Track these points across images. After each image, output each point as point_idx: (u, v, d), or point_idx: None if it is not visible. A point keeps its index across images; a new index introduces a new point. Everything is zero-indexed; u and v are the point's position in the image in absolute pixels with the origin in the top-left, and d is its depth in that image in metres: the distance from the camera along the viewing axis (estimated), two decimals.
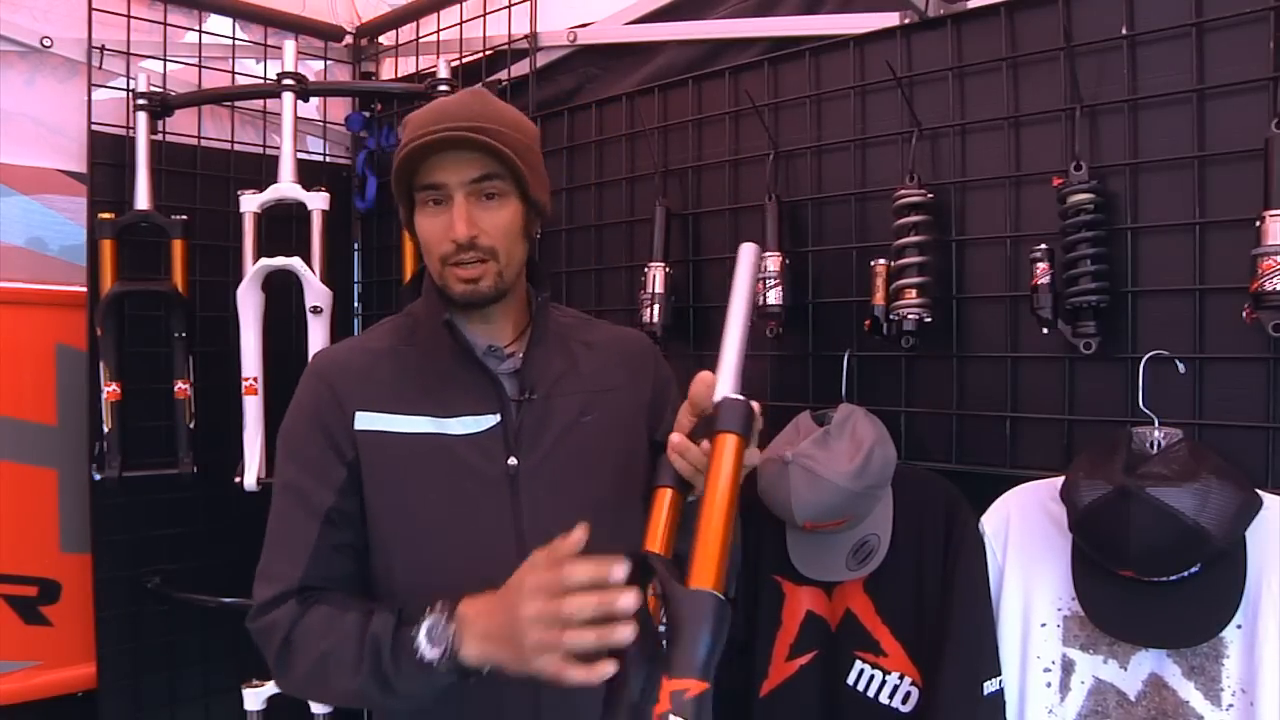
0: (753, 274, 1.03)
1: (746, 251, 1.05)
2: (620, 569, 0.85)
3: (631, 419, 1.18)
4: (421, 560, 1.10)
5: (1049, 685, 1.25)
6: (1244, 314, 1.18)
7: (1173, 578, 1.14)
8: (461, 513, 1.10)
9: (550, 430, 1.13)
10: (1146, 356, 1.26)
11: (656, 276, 1.77)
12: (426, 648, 0.95)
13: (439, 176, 1.07)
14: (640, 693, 0.82)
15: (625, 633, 0.82)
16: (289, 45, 2.10)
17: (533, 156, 1.12)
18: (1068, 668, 1.24)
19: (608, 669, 0.83)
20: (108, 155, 2.10)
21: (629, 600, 0.83)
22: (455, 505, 1.10)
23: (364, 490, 1.11)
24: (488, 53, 2.21)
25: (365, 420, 1.11)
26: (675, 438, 0.94)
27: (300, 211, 2.06)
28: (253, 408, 1.99)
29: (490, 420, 1.12)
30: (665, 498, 0.94)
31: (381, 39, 2.52)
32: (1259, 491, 1.14)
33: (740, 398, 0.92)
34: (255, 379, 1.99)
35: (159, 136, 2.12)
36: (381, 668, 0.97)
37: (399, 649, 0.97)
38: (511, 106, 1.15)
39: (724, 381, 0.95)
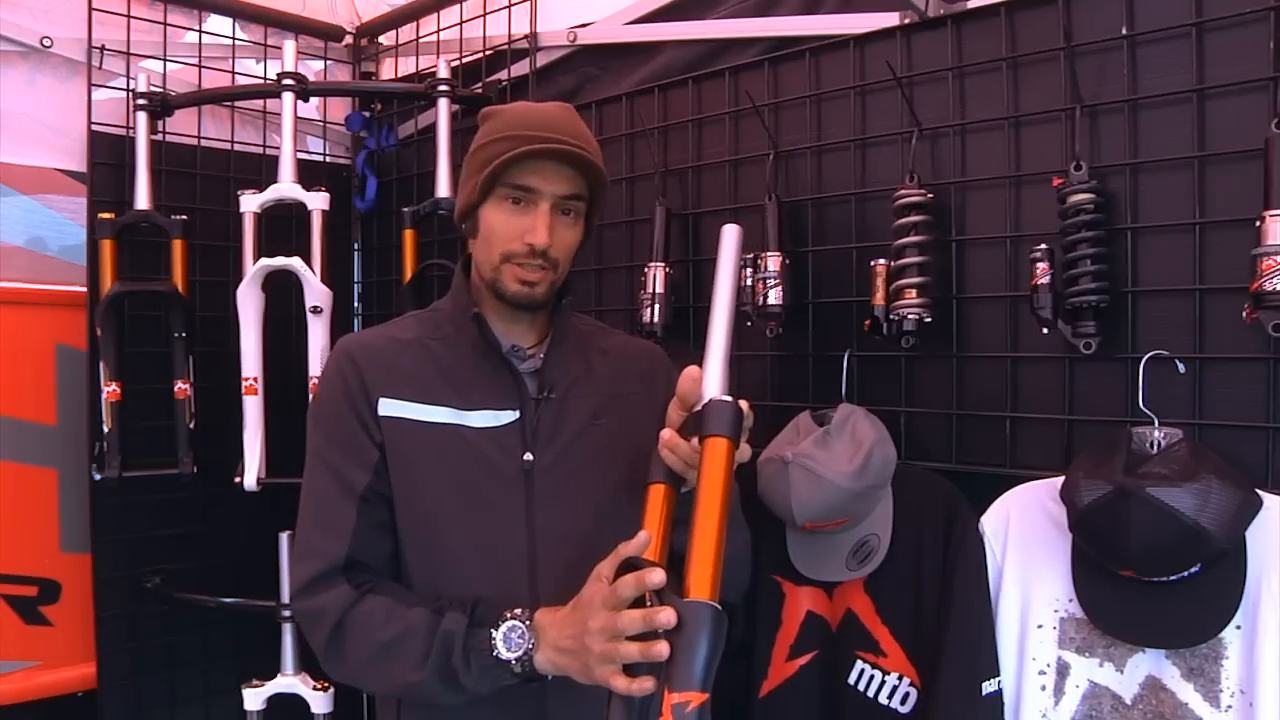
0: (737, 259, 1.03)
1: (730, 234, 1.05)
2: (658, 574, 0.87)
3: (643, 425, 1.18)
4: (434, 548, 1.12)
5: (1044, 688, 1.24)
6: (1244, 314, 1.17)
7: (1172, 578, 1.14)
8: (476, 504, 1.12)
9: (565, 429, 1.16)
10: (1146, 356, 1.26)
11: (656, 276, 1.76)
12: (503, 650, 0.99)
13: (535, 181, 1.10)
14: (641, 705, 0.85)
15: (662, 648, 0.84)
16: (289, 45, 2.10)
17: (606, 189, 1.17)
18: (1062, 670, 1.23)
19: (647, 685, 0.85)
20: (108, 155, 2.10)
21: (668, 616, 0.84)
22: (470, 496, 1.12)
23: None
24: (488, 53, 2.21)
25: (388, 407, 1.13)
26: (665, 434, 0.97)
27: (300, 211, 2.05)
28: (253, 408, 1.99)
29: (509, 416, 1.14)
30: (659, 494, 0.96)
31: (381, 39, 2.52)
32: (1259, 491, 1.14)
33: (728, 399, 0.93)
34: (255, 379, 1.99)
35: (159, 136, 2.12)
36: (451, 663, 1.01)
37: (472, 648, 1.00)
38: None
39: (712, 376, 0.96)
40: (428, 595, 1.11)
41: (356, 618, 1.06)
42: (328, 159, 2.52)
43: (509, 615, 1.01)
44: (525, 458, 1.13)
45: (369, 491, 1.11)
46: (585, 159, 1.10)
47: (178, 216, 2.07)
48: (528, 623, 1.00)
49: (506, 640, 0.99)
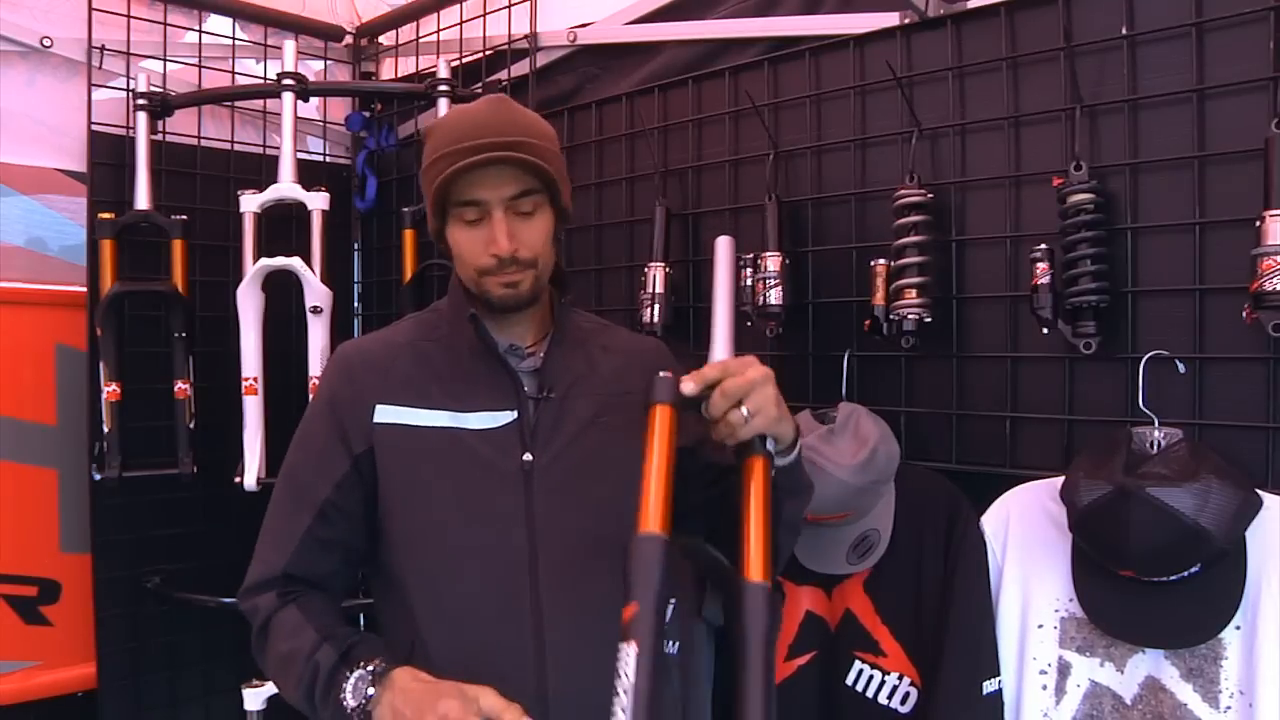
0: (731, 271, 1.07)
1: (723, 245, 1.09)
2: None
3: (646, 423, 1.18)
4: (433, 552, 1.12)
5: (1044, 688, 1.24)
6: (1244, 314, 1.17)
7: (1172, 578, 1.14)
8: (476, 506, 1.11)
9: (565, 429, 1.15)
10: (1146, 356, 1.26)
11: (656, 276, 1.76)
12: (349, 696, 0.99)
13: (479, 193, 1.09)
14: None
15: None
16: (289, 45, 2.10)
17: (560, 164, 1.15)
18: (1063, 670, 1.23)
19: None
20: (108, 155, 2.10)
21: None
22: (470, 498, 1.11)
23: (379, 483, 1.13)
24: (488, 53, 2.21)
25: (385, 413, 1.13)
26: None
27: (300, 211, 2.06)
28: (253, 408, 1.98)
29: (507, 416, 1.13)
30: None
31: (381, 39, 2.52)
32: (1259, 491, 1.14)
33: (666, 374, 0.99)
34: (255, 379, 1.98)
35: (159, 136, 2.12)
36: (314, 695, 1.03)
37: (330, 686, 1.01)
38: (530, 111, 1.16)
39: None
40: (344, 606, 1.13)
41: (274, 624, 1.09)
42: (328, 159, 2.52)
43: (367, 663, 1.01)
44: (524, 458, 1.12)
45: (327, 504, 1.11)
46: (519, 158, 1.06)
47: (178, 216, 2.07)
48: (373, 678, 1.00)
49: (355, 687, 0.99)
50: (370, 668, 1.00)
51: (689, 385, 0.96)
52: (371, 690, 0.98)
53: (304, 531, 1.11)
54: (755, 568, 0.91)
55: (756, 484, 0.96)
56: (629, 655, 0.85)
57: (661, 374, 0.99)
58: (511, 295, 1.12)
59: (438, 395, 1.14)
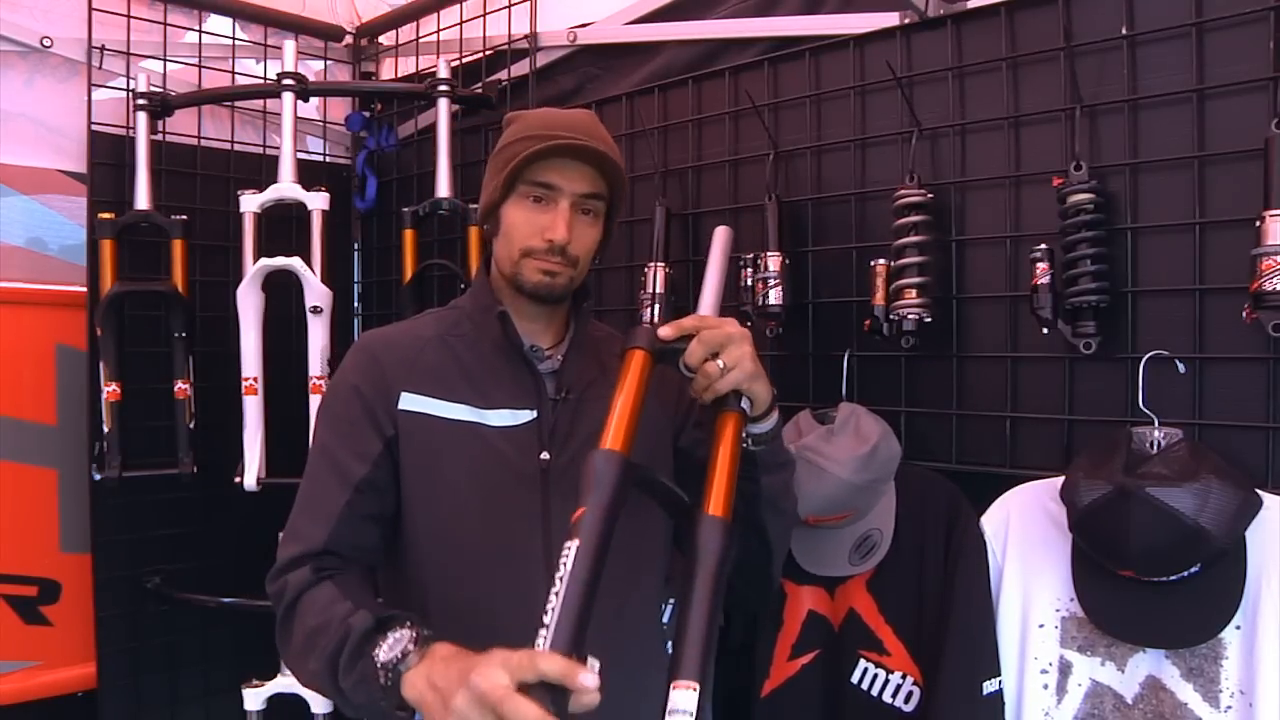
0: (726, 253, 1.21)
1: (720, 233, 1.22)
2: (591, 678, 0.77)
3: (655, 429, 1.19)
4: (448, 546, 1.12)
5: (1046, 687, 1.24)
6: (1244, 314, 1.18)
7: (1172, 578, 1.14)
8: (492, 502, 1.11)
9: (581, 430, 1.16)
10: (1146, 356, 1.26)
11: (656, 276, 1.76)
12: (383, 651, 0.91)
13: (555, 179, 1.12)
14: None
15: None
16: (289, 45, 2.10)
17: (627, 188, 1.19)
18: (1065, 669, 1.24)
19: None
20: (108, 155, 2.10)
21: None
22: (487, 494, 1.12)
23: (399, 470, 1.13)
24: (488, 53, 2.21)
25: (409, 401, 1.13)
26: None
27: (300, 211, 2.06)
28: (253, 408, 1.99)
29: (527, 415, 1.15)
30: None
31: (381, 39, 2.52)
32: (1259, 491, 1.14)
33: (645, 324, 1.05)
34: (255, 379, 1.99)
35: (159, 136, 2.12)
36: (339, 663, 0.95)
37: (362, 645, 0.94)
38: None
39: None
40: (415, 591, 1.10)
41: (305, 601, 1.04)
42: (328, 159, 2.52)
43: (412, 626, 0.93)
44: (542, 457, 1.13)
45: (364, 482, 1.10)
46: (606, 157, 1.12)
47: (178, 216, 2.07)
48: (422, 637, 0.92)
49: (393, 644, 0.91)
50: (415, 630, 0.92)
51: (666, 330, 1.02)
52: (411, 648, 0.90)
53: (344, 506, 1.09)
54: (715, 503, 0.94)
55: (726, 435, 0.99)
56: (570, 550, 0.84)
57: (641, 325, 1.05)
58: (546, 284, 1.14)
59: (461, 389, 1.14)
